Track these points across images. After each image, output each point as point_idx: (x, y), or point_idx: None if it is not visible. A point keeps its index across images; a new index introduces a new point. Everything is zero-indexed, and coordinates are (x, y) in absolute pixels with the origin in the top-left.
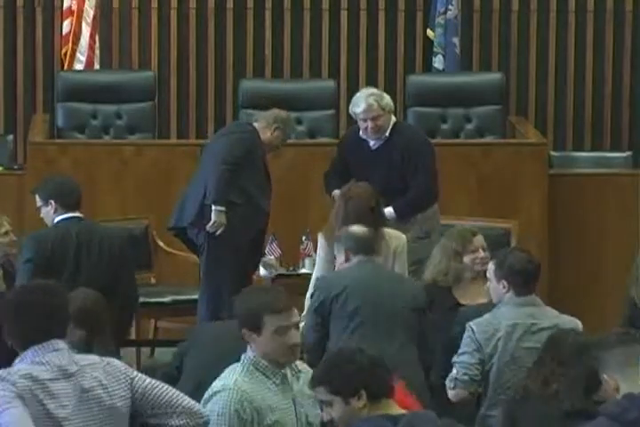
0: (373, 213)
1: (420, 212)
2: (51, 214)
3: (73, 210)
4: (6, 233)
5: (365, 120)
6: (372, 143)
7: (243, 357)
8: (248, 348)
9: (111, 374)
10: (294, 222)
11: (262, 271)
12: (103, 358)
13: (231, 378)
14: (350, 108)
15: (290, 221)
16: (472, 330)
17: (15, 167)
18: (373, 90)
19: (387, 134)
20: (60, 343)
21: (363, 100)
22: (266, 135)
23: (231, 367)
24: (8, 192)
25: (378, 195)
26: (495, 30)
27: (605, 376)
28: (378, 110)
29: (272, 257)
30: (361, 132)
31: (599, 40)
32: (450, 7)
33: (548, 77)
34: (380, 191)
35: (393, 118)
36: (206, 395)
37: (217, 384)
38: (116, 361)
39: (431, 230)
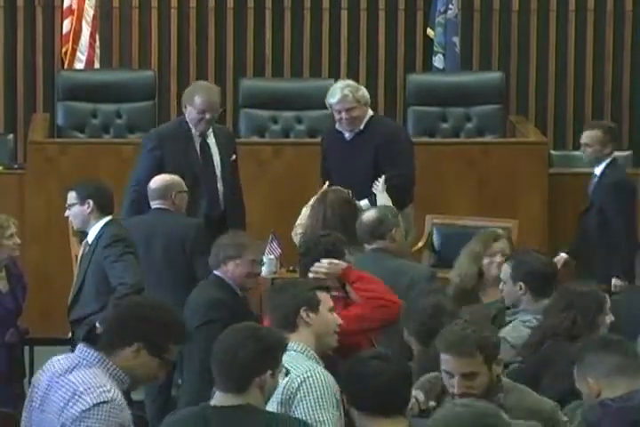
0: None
1: (403, 200)
2: None
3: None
4: (11, 235)
5: (340, 111)
6: (346, 135)
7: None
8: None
9: None
10: (294, 222)
11: (263, 270)
12: None
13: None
14: (326, 99)
15: (290, 220)
16: None
17: (15, 166)
18: (350, 82)
19: (361, 127)
20: None
21: (338, 91)
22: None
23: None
24: (8, 192)
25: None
26: (495, 30)
27: (590, 380)
28: (352, 102)
29: (272, 256)
30: (337, 124)
31: (599, 40)
32: (450, 6)
33: (548, 77)
34: (352, 183)
35: (370, 112)
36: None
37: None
38: None
39: (406, 232)
